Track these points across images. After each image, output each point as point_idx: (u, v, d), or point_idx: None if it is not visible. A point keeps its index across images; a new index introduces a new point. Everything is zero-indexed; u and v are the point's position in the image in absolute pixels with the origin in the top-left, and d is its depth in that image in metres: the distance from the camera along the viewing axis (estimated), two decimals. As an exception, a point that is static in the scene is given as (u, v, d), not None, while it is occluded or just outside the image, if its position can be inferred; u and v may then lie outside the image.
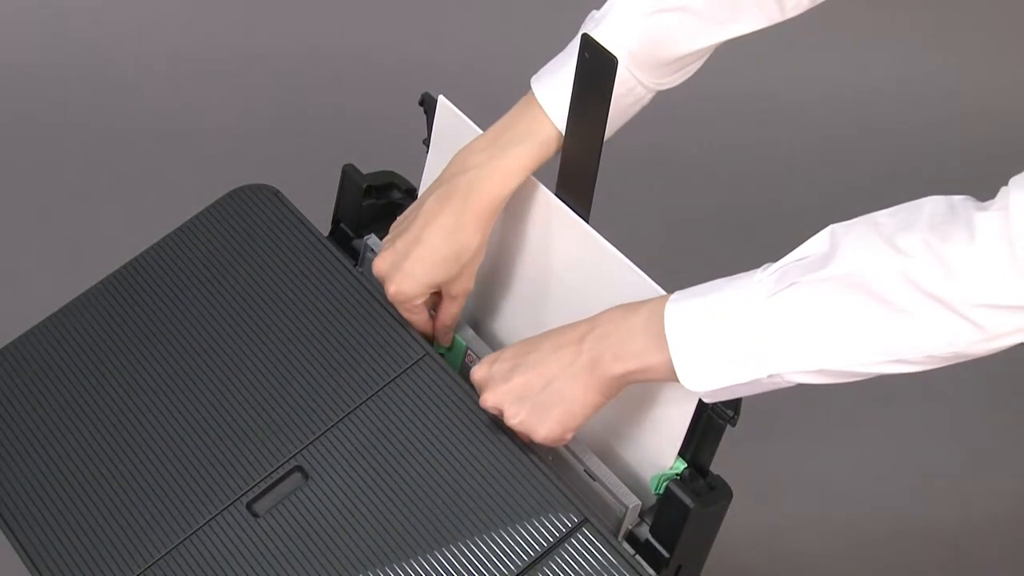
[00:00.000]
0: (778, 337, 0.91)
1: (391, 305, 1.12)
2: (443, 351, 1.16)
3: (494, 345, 1.17)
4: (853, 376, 0.92)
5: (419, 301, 1.09)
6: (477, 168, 1.07)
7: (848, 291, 0.89)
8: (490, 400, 1.02)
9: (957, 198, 0.89)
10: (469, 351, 1.14)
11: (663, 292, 1.01)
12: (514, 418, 1.01)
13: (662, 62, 1.08)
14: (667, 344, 0.94)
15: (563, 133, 1.07)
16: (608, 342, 0.97)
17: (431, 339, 1.14)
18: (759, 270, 0.94)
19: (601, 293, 1.06)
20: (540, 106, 1.07)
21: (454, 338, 1.15)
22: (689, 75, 1.12)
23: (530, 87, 1.09)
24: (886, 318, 0.88)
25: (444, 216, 1.07)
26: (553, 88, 1.07)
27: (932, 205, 0.89)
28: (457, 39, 2.30)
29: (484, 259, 1.16)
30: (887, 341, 0.89)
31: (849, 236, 0.90)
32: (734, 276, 0.95)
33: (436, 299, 1.12)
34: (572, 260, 1.09)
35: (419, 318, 1.11)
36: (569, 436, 1.01)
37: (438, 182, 1.09)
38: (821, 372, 0.92)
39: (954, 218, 0.87)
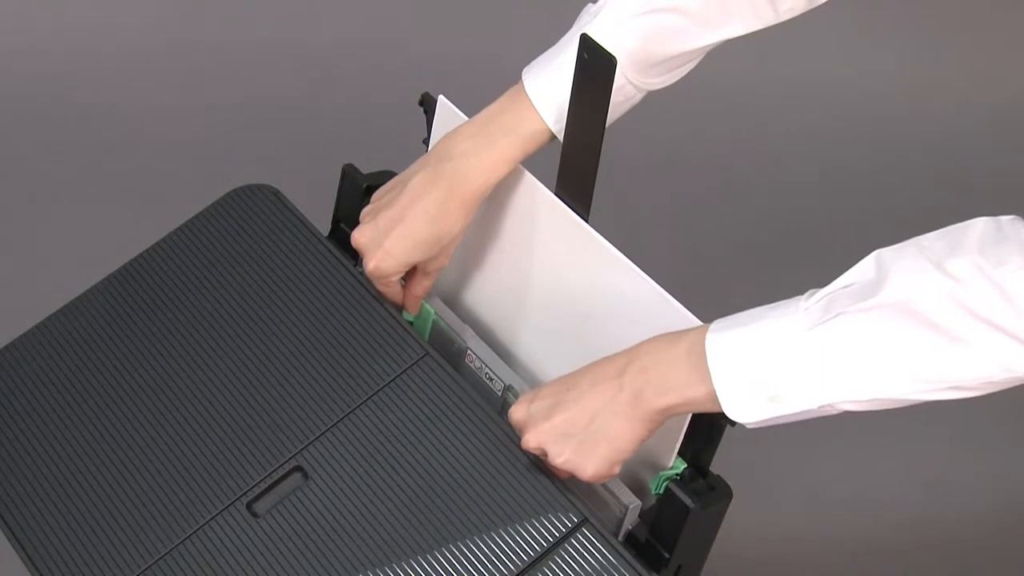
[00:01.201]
0: (829, 369, 0.89)
1: (391, 305, 1.13)
2: (411, 319, 1.17)
3: (493, 344, 1.17)
4: (907, 403, 0.90)
5: (395, 278, 1.11)
6: (464, 157, 1.07)
7: (900, 320, 0.87)
8: (533, 441, 0.99)
9: (1005, 218, 0.87)
10: (470, 351, 1.14)
11: (664, 293, 1.01)
12: (559, 457, 0.98)
13: (653, 62, 1.08)
14: (710, 377, 0.93)
15: (550, 128, 1.07)
16: (649, 375, 0.95)
17: (400, 308, 1.15)
18: (802, 298, 0.92)
19: (602, 293, 1.06)
20: (529, 99, 1.08)
21: (423, 305, 1.17)
22: (680, 76, 1.11)
23: (521, 78, 1.09)
24: (941, 346, 0.86)
25: (428, 200, 1.07)
26: (542, 82, 1.07)
27: (980, 227, 0.87)
28: (457, 39, 2.30)
29: (484, 261, 1.16)
30: (943, 370, 0.87)
31: (897, 262, 0.88)
32: (775, 304, 0.93)
33: (411, 271, 1.13)
34: (574, 261, 1.09)
35: (392, 291, 1.13)
36: (616, 471, 1.00)
37: (424, 163, 1.10)
38: (874, 401, 0.90)
39: (1004, 240, 0.86)
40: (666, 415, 0.96)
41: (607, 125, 1.06)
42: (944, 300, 0.86)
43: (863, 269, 0.90)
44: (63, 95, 2.23)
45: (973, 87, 2.31)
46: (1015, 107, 2.30)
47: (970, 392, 0.89)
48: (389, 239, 1.08)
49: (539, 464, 1.01)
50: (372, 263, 1.09)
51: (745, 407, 0.92)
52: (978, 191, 2.15)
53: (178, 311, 1.15)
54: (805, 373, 0.90)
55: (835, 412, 0.91)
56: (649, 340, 0.97)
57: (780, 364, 0.90)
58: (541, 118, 1.07)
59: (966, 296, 0.85)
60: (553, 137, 1.08)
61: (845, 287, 0.90)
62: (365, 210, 1.12)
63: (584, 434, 0.97)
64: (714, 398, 0.93)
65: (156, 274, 1.18)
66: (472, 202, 1.08)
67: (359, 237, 1.10)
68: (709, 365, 0.93)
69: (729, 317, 0.94)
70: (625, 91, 1.09)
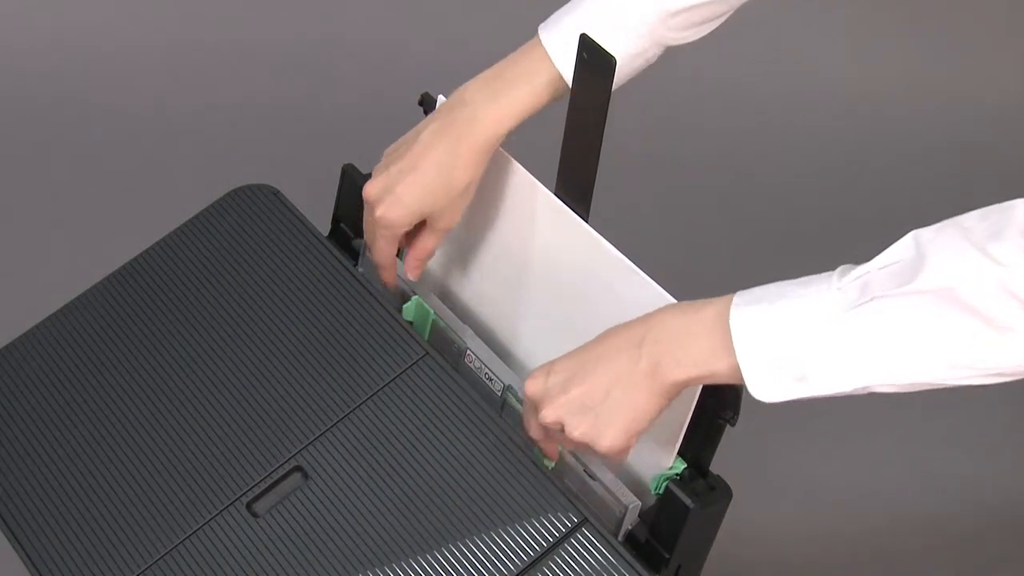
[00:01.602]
0: (865, 353, 0.87)
1: (391, 305, 1.13)
2: (411, 319, 1.16)
3: (492, 344, 1.17)
4: (945, 387, 0.88)
5: (402, 229, 1.09)
6: (475, 105, 1.06)
7: (943, 306, 0.85)
8: (550, 415, 0.97)
9: None
10: (470, 351, 1.15)
11: (664, 292, 1.01)
12: (576, 430, 0.97)
13: (673, 11, 1.05)
14: (734, 352, 0.90)
15: (563, 77, 1.06)
16: (667, 347, 0.93)
17: (385, 280, 1.13)
18: (834, 275, 0.89)
19: (602, 293, 1.06)
20: (544, 50, 1.06)
21: (422, 305, 1.16)
22: (700, 35, 1.08)
23: (537, 33, 1.08)
24: (987, 334, 0.84)
25: (439, 148, 1.06)
26: (558, 32, 1.06)
27: (1022, 209, 0.84)
28: (457, 39, 2.30)
29: (484, 261, 1.16)
30: (987, 357, 0.85)
31: (936, 243, 0.86)
32: (803, 280, 0.90)
33: (417, 230, 1.11)
34: (573, 261, 1.09)
35: (389, 249, 1.10)
36: (633, 443, 0.98)
37: (436, 115, 1.09)
38: (910, 385, 0.88)
39: None
40: (684, 387, 0.95)
41: (623, 82, 1.04)
42: (989, 286, 0.83)
43: (901, 249, 0.87)
44: (63, 95, 2.23)
45: (973, 87, 2.31)
46: (1015, 107, 2.30)
47: (1012, 377, 0.87)
48: (400, 187, 1.07)
49: (531, 457, 1.01)
50: (381, 210, 1.07)
51: (770, 386, 0.90)
52: (978, 191, 2.15)
53: (178, 311, 1.15)
54: (839, 356, 0.88)
55: (864, 392, 0.89)
56: (666, 309, 0.95)
57: (811, 345, 0.88)
58: (555, 67, 1.06)
59: (1012, 282, 0.83)
60: (566, 90, 1.06)
61: (882, 268, 0.87)
62: (377, 166, 1.10)
63: (601, 406, 0.96)
64: (737, 373, 0.91)
65: (156, 274, 1.18)
66: (483, 151, 1.07)
67: (370, 188, 1.08)
68: (734, 341, 0.90)
69: (753, 290, 0.92)
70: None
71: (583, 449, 0.99)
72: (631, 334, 0.96)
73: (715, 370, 0.92)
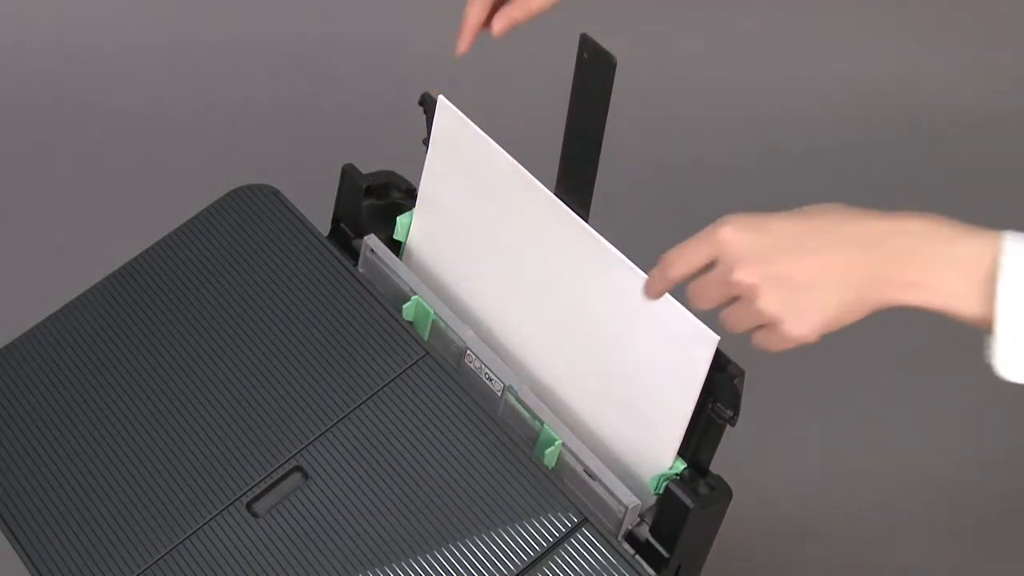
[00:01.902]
0: None
1: (391, 305, 1.13)
2: (410, 320, 1.15)
3: (492, 344, 1.17)
4: None
5: None
6: None
7: None
8: (748, 277, 0.84)
9: None
10: (470, 351, 1.15)
11: (666, 293, 1.00)
12: (769, 304, 0.83)
13: None
14: (992, 307, 0.79)
15: None
16: (907, 265, 0.81)
17: (464, 37, 1.06)
18: None
19: (602, 293, 1.06)
20: None
21: (422, 305, 1.15)
22: None
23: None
24: None
25: None
26: None
27: None
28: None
29: (484, 261, 1.16)
30: None
31: None
32: None
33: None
34: (573, 261, 1.09)
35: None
36: (818, 341, 0.85)
37: None
38: None
39: None
40: (900, 307, 0.84)
41: None
42: None
43: None
44: (63, 95, 2.23)
45: (973, 87, 2.31)
46: (1015, 107, 2.30)
47: None
48: None
49: (531, 457, 1.01)
50: None
51: (1021, 366, 0.80)
52: (978, 190, 2.16)
53: (178, 311, 1.15)
54: None
55: None
56: (913, 220, 0.83)
57: None
58: None
59: None
60: None
61: None
62: None
63: (805, 292, 0.83)
64: (981, 325, 0.80)
65: (156, 274, 1.18)
66: None
67: None
68: (998, 303, 0.79)
69: None
70: None
71: (756, 321, 0.85)
72: (869, 231, 0.83)
73: (957, 311, 0.81)
